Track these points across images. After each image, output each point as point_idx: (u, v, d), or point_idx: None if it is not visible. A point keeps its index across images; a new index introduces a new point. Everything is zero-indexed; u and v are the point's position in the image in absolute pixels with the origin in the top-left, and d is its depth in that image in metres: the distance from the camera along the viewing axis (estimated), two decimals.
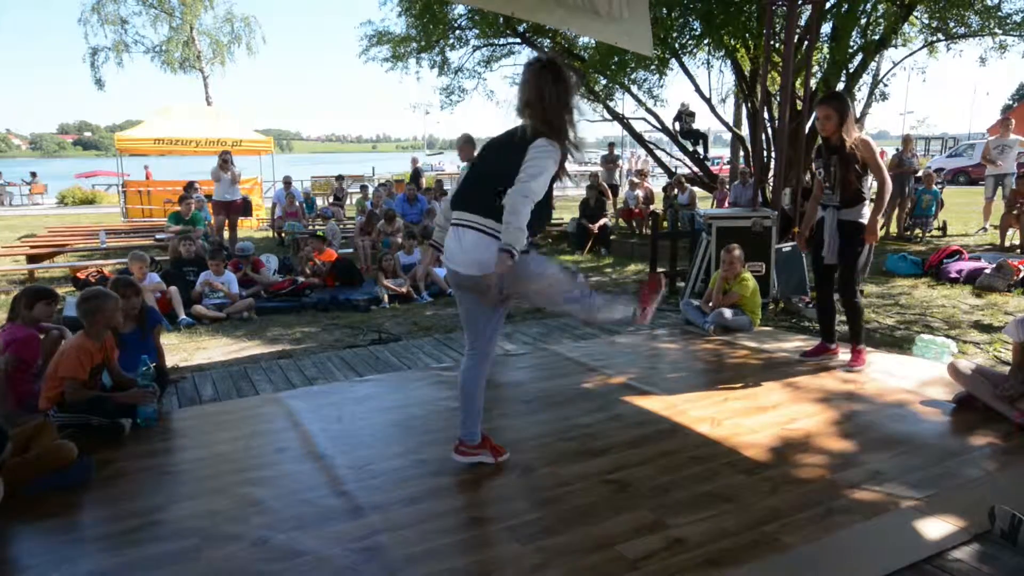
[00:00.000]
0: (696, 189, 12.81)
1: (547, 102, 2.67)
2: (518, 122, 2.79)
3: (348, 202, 17.20)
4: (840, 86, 9.36)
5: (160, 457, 3.33)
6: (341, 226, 12.55)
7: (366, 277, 8.58)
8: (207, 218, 10.68)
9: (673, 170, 14.47)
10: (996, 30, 9.66)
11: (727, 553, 2.35)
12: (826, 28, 9.37)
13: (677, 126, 13.43)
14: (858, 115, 9.34)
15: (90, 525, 2.71)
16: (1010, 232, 9.60)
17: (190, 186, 12.83)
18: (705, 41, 10.89)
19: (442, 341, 5.47)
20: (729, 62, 11.03)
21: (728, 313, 5.42)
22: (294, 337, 6.02)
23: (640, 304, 2.97)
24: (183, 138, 16.24)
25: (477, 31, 12.94)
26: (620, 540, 2.44)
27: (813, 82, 8.32)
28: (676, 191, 12.22)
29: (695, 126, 13.64)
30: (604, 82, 12.25)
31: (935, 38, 10.52)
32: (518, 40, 13.07)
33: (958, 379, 3.72)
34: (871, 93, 10.74)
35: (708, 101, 12.13)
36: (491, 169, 2.76)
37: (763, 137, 10.33)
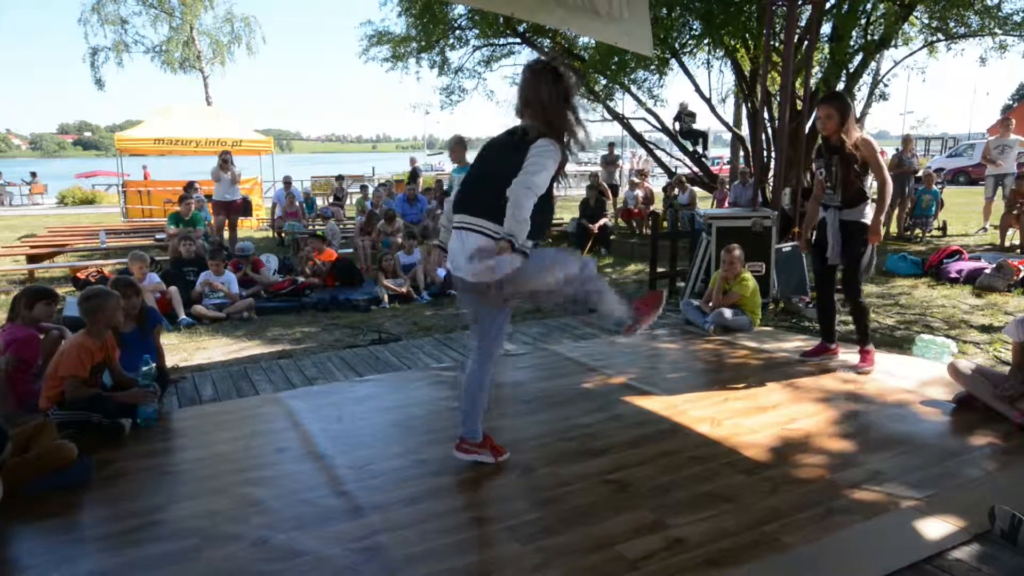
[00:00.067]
0: (696, 189, 12.82)
1: (548, 103, 2.67)
2: (517, 122, 2.80)
3: (348, 202, 17.22)
4: (840, 86, 9.36)
5: (160, 457, 3.33)
6: (341, 226, 12.56)
7: (366, 277, 8.59)
8: (207, 218, 10.67)
9: (673, 170, 14.48)
10: (996, 30, 9.66)
11: (727, 553, 2.35)
12: (826, 28, 9.38)
13: (677, 126, 13.43)
14: (858, 115, 9.33)
15: (90, 525, 2.71)
16: (1010, 232, 9.60)
17: (190, 186, 12.82)
18: (705, 41, 10.90)
19: (442, 341, 5.47)
20: (729, 62, 11.03)
21: (728, 313, 5.42)
22: (294, 337, 6.02)
23: (635, 315, 2.97)
24: (183, 138, 16.25)
25: (477, 31, 12.95)
26: (620, 540, 2.44)
27: (813, 82, 8.32)
28: (676, 191, 12.22)
29: (695, 126, 13.65)
30: (604, 82, 12.25)
31: (935, 38, 10.52)
32: (518, 40, 13.07)
33: (958, 379, 3.72)
34: (871, 93, 10.74)
35: (708, 101, 12.13)
36: (491, 169, 2.76)
37: (763, 137, 10.33)
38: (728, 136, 16.23)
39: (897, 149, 12.96)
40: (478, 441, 3.05)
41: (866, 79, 10.49)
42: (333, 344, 5.66)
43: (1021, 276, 6.83)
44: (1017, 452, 3.14)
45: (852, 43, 9.24)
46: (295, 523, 2.62)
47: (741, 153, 14.50)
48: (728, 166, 18.55)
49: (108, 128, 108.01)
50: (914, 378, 4.18)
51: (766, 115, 10.02)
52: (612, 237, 11.45)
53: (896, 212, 11.14)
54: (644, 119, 13.17)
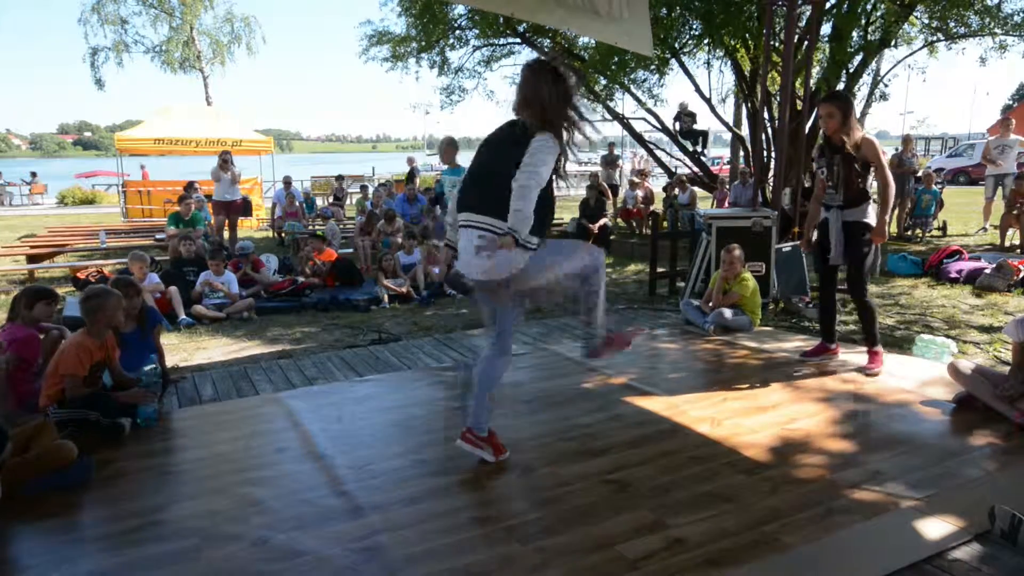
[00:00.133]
0: (696, 189, 12.82)
1: (548, 102, 2.68)
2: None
3: (348, 202, 17.22)
4: (840, 86, 9.36)
5: (160, 457, 3.33)
6: (341, 226, 12.56)
7: (366, 277, 8.59)
8: (207, 218, 10.68)
9: (673, 170, 14.48)
10: (996, 30, 9.67)
11: (727, 553, 2.35)
12: (826, 28, 9.38)
13: (677, 126, 13.44)
14: (858, 115, 9.33)
15: (90, 525, 2.71)
16: (1010, 232, 9.60)
17: (190, 186, 12.83)
18: (705, 41, 10.91)
19: (442, 341, 5.47)
20: (729, 62, 11.04)
21: (728, 313, 5.41)
22: (294, 337, 6.02)
23: (606, 341, 3.04)
24: (183, 138, 16.25)
25: (477, 31, 12.95)
26: (620, 540, 2.44)
27: (813, 82, 8.32)
28: (677, 191, 12.22)
29: (695, 126, 13.65)
30: (604, 82, 12.26)
31: (935, 38, 10.52)
32: (518, 40, 13.08)
33: (958, 379, 3.72)
34: (871, 93, 10.75)
35: (708, 101, 12.14)
36: (491, 165, 2.77)
37: (763, 137, 10.34)
38: (728, 136, 16.24)
39: (897, 149, 12.98)
40: (483, 436, 3.06)
41: (866, 79, 10.53)
42: (333, 344, 5.66)
43: (1021, 276, 6.82)
44: (1017, 452, 3.13)
45: (852, 43, 9.24)
46: (295, 523, 2.62)
47: (741, 153, 14.51)
48: (728, 166, 18.56)
49: (108, 128, 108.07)
50: (914, 378, 4.18)
51: (766, 115, 10.02)
52: (612, 237, 11.45)
53: (896, 212, 11.14)
54: (644, 119, 13.19)
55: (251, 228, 14.85)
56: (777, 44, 8.70)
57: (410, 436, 3.53)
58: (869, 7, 9.25)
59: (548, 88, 2.68)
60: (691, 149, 13.23)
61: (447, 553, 2.39)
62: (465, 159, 3.51)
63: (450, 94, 14.11)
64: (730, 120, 14.31)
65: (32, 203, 24.01)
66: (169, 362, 4.68)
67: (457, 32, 13.14)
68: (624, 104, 15.17)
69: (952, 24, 9.96)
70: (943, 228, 11.01)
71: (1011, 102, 49.12)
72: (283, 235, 12.53)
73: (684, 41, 11.16)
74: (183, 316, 6.49)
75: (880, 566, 2.27)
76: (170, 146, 16.39)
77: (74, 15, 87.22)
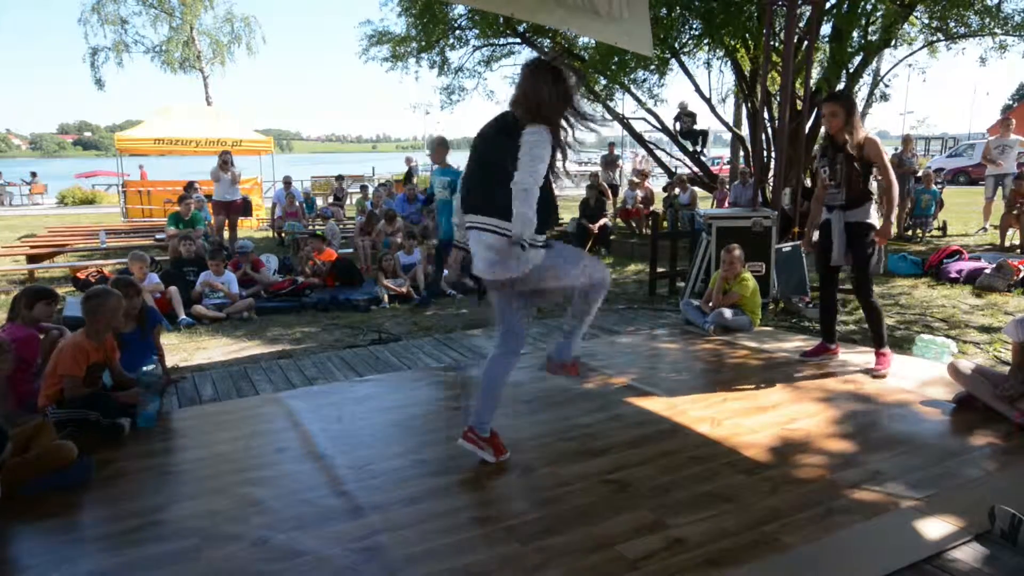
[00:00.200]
0: (696, 189, 12.82)
1: (546, 102, 2.67)
2: None
3: (348, 202, 17.22)
4: (840, 86, 9.36)
5: (160, 457, 3.33)
6: (341, 226, 12.56)
7: (366, 277, 8.59)
8: (207, 218, 10.68)
9: (673, 170, 14.48)
10: (996, 30, 9.67)
11: (727, 553, 2.35)
12: (826, 28, 9.38)
13: (677, 126, 13.44)
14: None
15: (90, 525, 2.71)
16: (1010, 232, 9.60)
17: (190, 186, 12.84)
18: (705, 41, 10.91)
19: (442, 341, 5.47)
20: (729, 62, 11.03)
21: (728, 313, 5.42)
22: (294, 337, 6.02)
23: (565, 365, 3.02)
24: (183, 138, 16.25)
25: (477, 31, 12.96)
26: (620, 540, 2.44)
27: (813, 82, 8.31)
28: (677, 191, 12.22)
29: (695, 127, 13.65)
30: (604, 82, 12.26)
31: (935, 38, 10.52)
32: (518, 40, 13.08)
33: (958, 379, 3.72)
34: (871, 93, 10.75)
35: (708, 101, 12.14)
36: (487, 158, 2.77)
37: (763, 137, 10.33)
38: (728, 136, 16.24)
39: (897, 149, 12.98)
40: (485, 436, 3.06)
41: (866, 79, 10.52)
42: (333, 344, 5.66)
43: (1021, 276, 6.83)
44: (1017, 452, 3.13)
45: (852, 43, 9.24)
46: (295, 523, 2.62)
47: (741, 153, 14.51)
48: (728, 166, 18.55)
49: (108, 128, 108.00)
50: (914, 378, 4.18)
51: (766, 115, 10.02)
52: (612, 237, 11.45)
53: (896, 212, 11.14)
54: (644, 119, 13.19)
55: (251, 228, 14.85)
56: (777, 44, 8.70)
57: (410, 436, 3.53)
58: (869, 7, 9.24)
59: (548, 88, 2.68)
60: (691, 149, 13.23)
61: (447, 553, 2.39)
62: (463, 159, 3.51)
63: (450, 94, 14.13)
64: (730, 120, 14.32)
65: (32, 203, 24.01)
66: (169, 362, 4.68)
67: (457, 32, 13.14)
68: (624, 104, 15.21)
69: (952, 24, 9.97)
70: (943, 228, 11.01)
71: (1011, 102, 49.13)
72: (283, 235, 12.53)
73: (684, 41, 11.16)
74: (183, 316, 6.49)
75: (880, 566, 2.27)
76: (170, 146, 16.39)
77: (74, 15, 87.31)
